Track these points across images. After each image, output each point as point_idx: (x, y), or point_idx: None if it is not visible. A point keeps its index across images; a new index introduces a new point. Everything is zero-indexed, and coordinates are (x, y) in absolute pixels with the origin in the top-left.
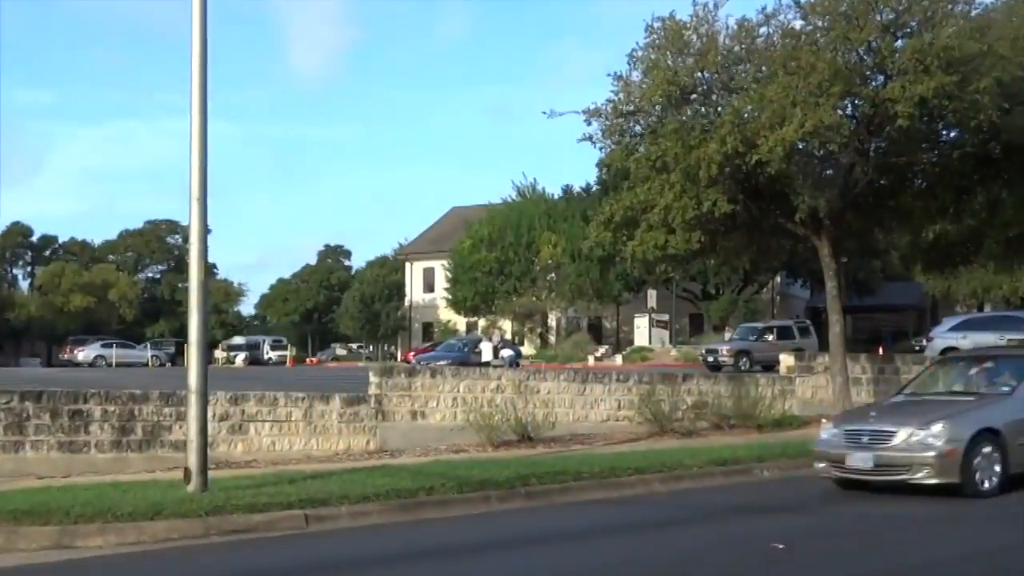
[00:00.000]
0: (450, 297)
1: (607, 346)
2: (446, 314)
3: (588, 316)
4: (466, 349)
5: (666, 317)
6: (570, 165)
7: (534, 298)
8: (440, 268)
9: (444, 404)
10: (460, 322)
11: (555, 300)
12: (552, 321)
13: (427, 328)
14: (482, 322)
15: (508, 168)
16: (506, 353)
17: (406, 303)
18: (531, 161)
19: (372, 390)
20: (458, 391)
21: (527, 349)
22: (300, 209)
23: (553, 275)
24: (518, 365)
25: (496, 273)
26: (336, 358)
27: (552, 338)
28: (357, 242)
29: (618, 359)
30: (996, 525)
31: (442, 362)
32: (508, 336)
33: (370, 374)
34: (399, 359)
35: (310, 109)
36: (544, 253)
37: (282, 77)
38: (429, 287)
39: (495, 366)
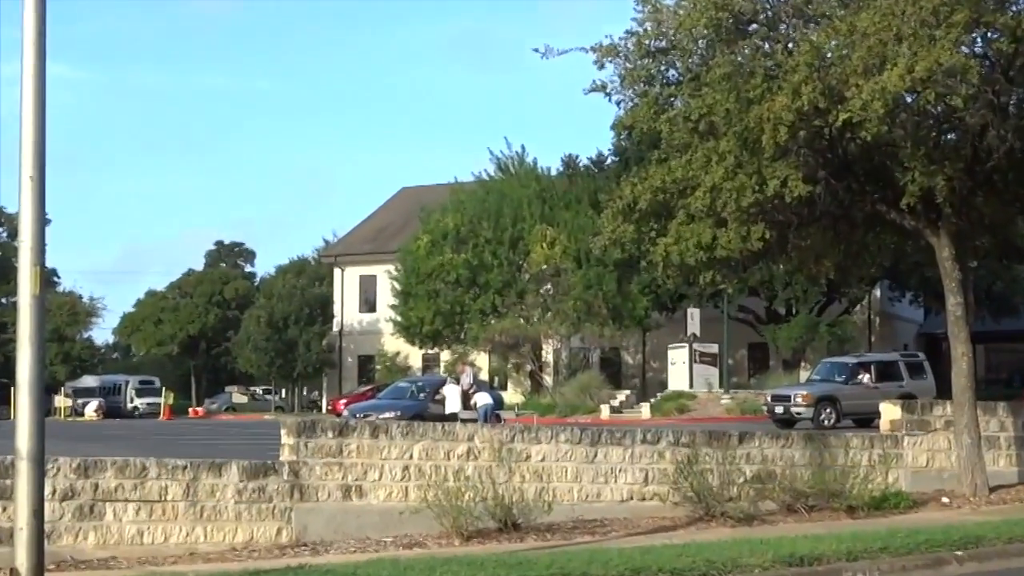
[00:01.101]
0: (399, 319)
1: (628, 391)
2: (393, 343)
3: (600, 347)
4: (423, 395)
5: (714, 348)
6: (574, 128)
7: (522, 320)
8: (384, 276)
9: (391, 476)
10: (414, 355)
11: (552, 323)
12: (548, 354)
13: (365, 364)
14: (446, 355)
15: (485, 133)
16: (481, 401)
17: (334, 327)
18: (518, 123)
19: (285, 455)
20: (411, 457)
21: (511, 395)
22: (183, 191)
23: (549, 287)
24: (499, 419)
25: (467, 284)
26: (233, 408)
27: (548, 379)
28: (264, 239)
29: (644, 410)
30: None
31: (388, 414)
32: (484, 376)
33: (282, 432)
34: (324, 409)
35: (204, 51)
36: (537, 255)
37: (166, 4)
38: (369, 304)
39: (465, 420)
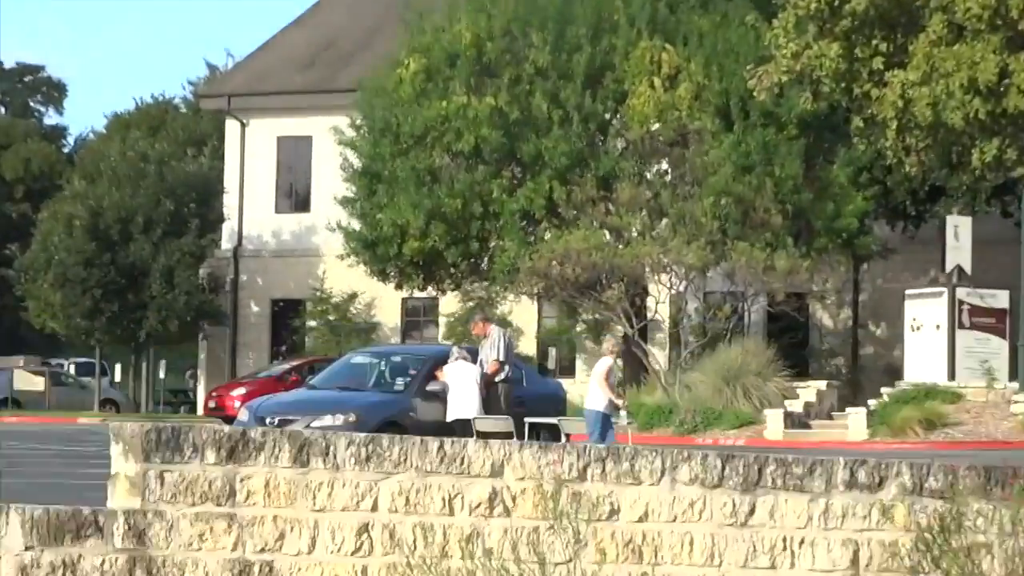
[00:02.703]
0: (357, 227)
1: (824, 383)
2: (344, 277)
3: (768, 293)
4: (401, 383)
5: (1000, 298)
6: None
7: (607, 236)
8: (327, 140)
9: (333, 546)
10: (386, 300)
11: (670, 243)
12: (660, 305)
13: (284, 317)
14: (450, 303)
15: None
16: (596, 401)
17: (224, 241)
18: None
19: (120, 497)
20: (375, 506)
21: (576, 389)
22: None
23: (665, 168)
24: (563, 437)
25: (496, 158)
26: (16, 401)
27: (659, 356)
28: (88, 66)
29: (855, 421)
30: None
31: (329, 419)
32: (523, 343)
33: (115, 450)
34: (202, 406)
35: None
36: (641, 102)
37: None
38: (296, 197)
39: (487, 434)
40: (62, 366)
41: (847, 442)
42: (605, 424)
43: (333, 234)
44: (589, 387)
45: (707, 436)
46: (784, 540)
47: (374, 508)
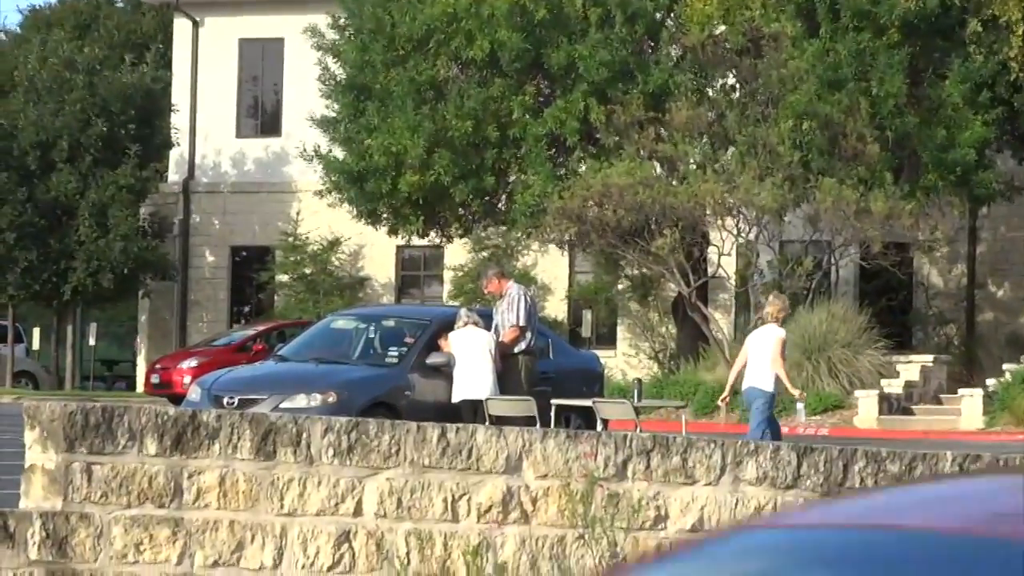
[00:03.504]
0: (340, 156)
1: (932, 357)
2: (321, 217)
3: (861, 244)
4: (394, 354)
5: None
6: None
7: (657, 167)
8: (300, 44)
9: (302, 558)
10: (378, 248)
11: (738, 177)
12: (725, 257)
13: (247, 270)
14: (458, 253)
15: None
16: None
17: (172, 173)
18: None
19: (35, 496)
20: (360, 510)
21: (621, 363)
22: None
23: (734, 84)
24: (605, 424)
25: (517, 69)
26: None
27: (723, 321)
28: None
29: (970, 405)
30: None
31: (302, 400)
32: (553, 306)
33: (29, 435)
34: (143, 381)
35: None
36: (698, 5)
37: None
38: (264, 118)
39: (503, 418)
40: None
41: (959, 432)
42: (769, 411)
43: (309, 164)
44: (752, 362)
45: (781, 424)
46: None
47: (357, 512)
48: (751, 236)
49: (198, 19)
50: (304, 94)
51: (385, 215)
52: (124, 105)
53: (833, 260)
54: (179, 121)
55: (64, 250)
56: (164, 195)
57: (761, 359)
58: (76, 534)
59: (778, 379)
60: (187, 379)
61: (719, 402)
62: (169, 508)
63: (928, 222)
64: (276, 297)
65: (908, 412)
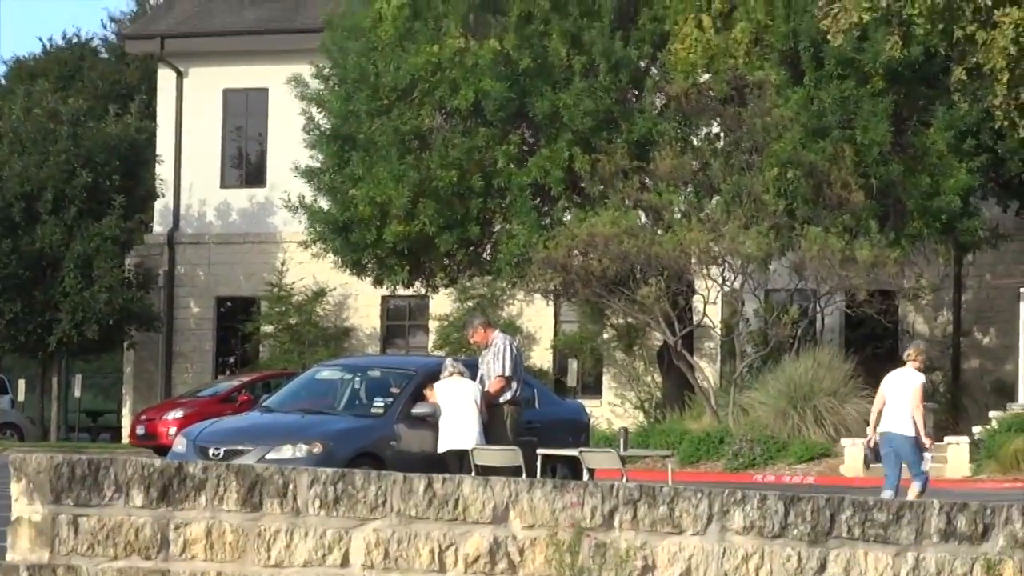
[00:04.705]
0: (326, 206)
1: (924, 405)
2: (306, 268)
3: (846, 292)
4: (380, 405)
5: None
6: None
7: (642, 216)
8: (285, 94)
9: None
10: (363, 298)
11: (724, 227)
12: (710, 306)
13: (232, 320)
14: (442, 303)
15: None
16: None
17: (156, 225)
18: None
19: (21, 550)
20: (346, 562)
21: (607, 413)
22: None
23: (717, 132)
24: (618, 472)
25: (502, 118)
26: None
27: (709, 371)
28: None
29: (956, 453)
30: None
31: (288, 451)
32: (538, 355)
33: (15, 487)
34: (128, 432)
35: None
36: (684, 49)
37: None
38: (249, 169)
39: (488, 468)
40: None
41: (945, 480)
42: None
43: (294, 215)
44: (892, 405)
45: (767, 472)
46: None
47: (344, 563)
48: (736, 285)
49: (182, 69)
50: (289, 144)
51: (370, 265)
52: (109, 156)
53: (818, 308)
54: (164, 172)
55: (49, 301)
56: (149, 246)
57: (902, 403)
58: None
59: (920, 431)
60: (172, 430)
61: (865, 445)
62: (156, 560)
63: (913, 270)
64: (261, 348)
65: None
